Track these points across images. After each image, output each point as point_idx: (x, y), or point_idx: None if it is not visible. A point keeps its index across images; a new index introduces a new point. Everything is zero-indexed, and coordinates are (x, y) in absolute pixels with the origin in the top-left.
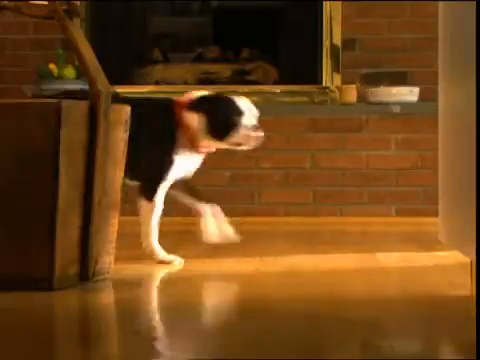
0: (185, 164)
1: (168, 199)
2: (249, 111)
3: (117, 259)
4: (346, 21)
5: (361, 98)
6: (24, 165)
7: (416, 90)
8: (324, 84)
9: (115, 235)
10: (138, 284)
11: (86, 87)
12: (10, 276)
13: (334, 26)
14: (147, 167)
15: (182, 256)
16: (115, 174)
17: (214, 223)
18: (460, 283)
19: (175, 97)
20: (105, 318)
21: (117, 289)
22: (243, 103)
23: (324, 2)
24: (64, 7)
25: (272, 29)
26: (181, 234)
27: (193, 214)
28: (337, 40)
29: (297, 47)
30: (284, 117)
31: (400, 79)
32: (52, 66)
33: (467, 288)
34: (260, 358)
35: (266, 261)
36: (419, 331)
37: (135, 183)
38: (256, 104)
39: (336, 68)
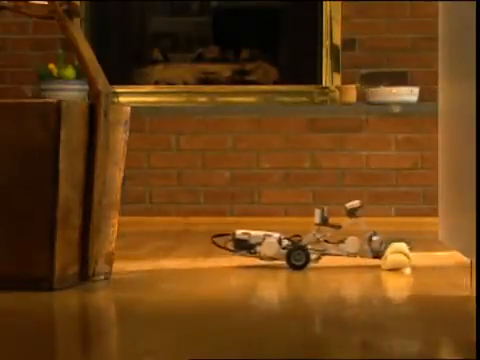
0: None
1: (168, 199)
2: None
3: (117, 259)
4: (346, 21)
5: (361, 98)
6: (24, 165)
7: (416, 90)
8: (324, 84)
9: (115, 235)
10: (138, 284)
11: (86, 87)
12: (10, 276)
13: (334, 26)
14: None
15: (181, 256)
16: (115, 174)
17: None
18: (460, 283)
19: None
20: (105, 318)
21: (117, 289)
22: None
23: (324, 2)
24: (64, 7)
25: (272, 29)
26: (181, 234)
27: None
28: (337, 40)
29: (297, 47)
30: (284, 117)
31: (400, 79)
32: (52, 66)
33: (467, 288)
34: (260, 358)
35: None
36: (419, 331)
37: None
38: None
39: (336, 68)
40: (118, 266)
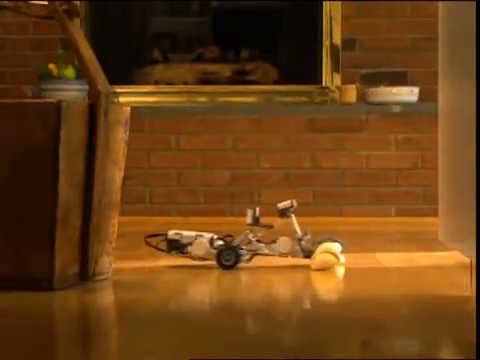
0: None
1: (168, 199)
2: None
3: (117, 259)
4: (346, 21)
5: (361, 98)
6: (24, 165)
7: (416, 90)
8: (324, 84)
9: (115, 235)
10: (138, 284)
11: (86, 87)
12: (10, 276)
13: (334, 26)
14: None
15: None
16: (115, 174)
17: None
18: (460, 283)
19: None
20: (105, 318)
21: (117, 289)
22: None
23: (324, 2)
24: (64, 7)
25: (272, 29)
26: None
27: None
28: (337, 40)
29: (297, 47)
30: (284, 117)
31: (400, 79)
32: (52, 66)
33: (467, 288)
34: (260, 358)
35: (266, 261)
36: (419, 331)
37: None
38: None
39: (336, 68)
40: (118, 266)
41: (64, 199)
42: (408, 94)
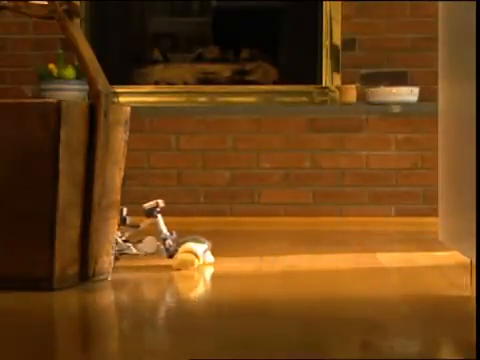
0: None
1: (168, 199)
2: None
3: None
4: (346, 21)
5: (361, 98)
6: (24, 165)
7: (416, 90)
8: (324, 84)
9: (115, 235)
10: (138, 284)
11: (86, 87)
12: (10, 276)
13: (334, 26)
14: None
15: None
16: (115, 174)
17: None
18: (460, 283)
19: None
20: (105, 318)
21: (117, 289)
22: None
23: (324, 2)
24: (64, 7)
25: (272, 29)
26: (181, 234)
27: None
28: (337, 40)
29: (297, 47)
30: (284, 117)
31: (400, 79)
32: (52, 66)
33: (467, 288)
34: (260, 358)
35: (266, 261)
36: (419, 331)
37: None
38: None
39: (336, 68)
40: (118, 266)
41: (64, 199)
42: (408, 94)
